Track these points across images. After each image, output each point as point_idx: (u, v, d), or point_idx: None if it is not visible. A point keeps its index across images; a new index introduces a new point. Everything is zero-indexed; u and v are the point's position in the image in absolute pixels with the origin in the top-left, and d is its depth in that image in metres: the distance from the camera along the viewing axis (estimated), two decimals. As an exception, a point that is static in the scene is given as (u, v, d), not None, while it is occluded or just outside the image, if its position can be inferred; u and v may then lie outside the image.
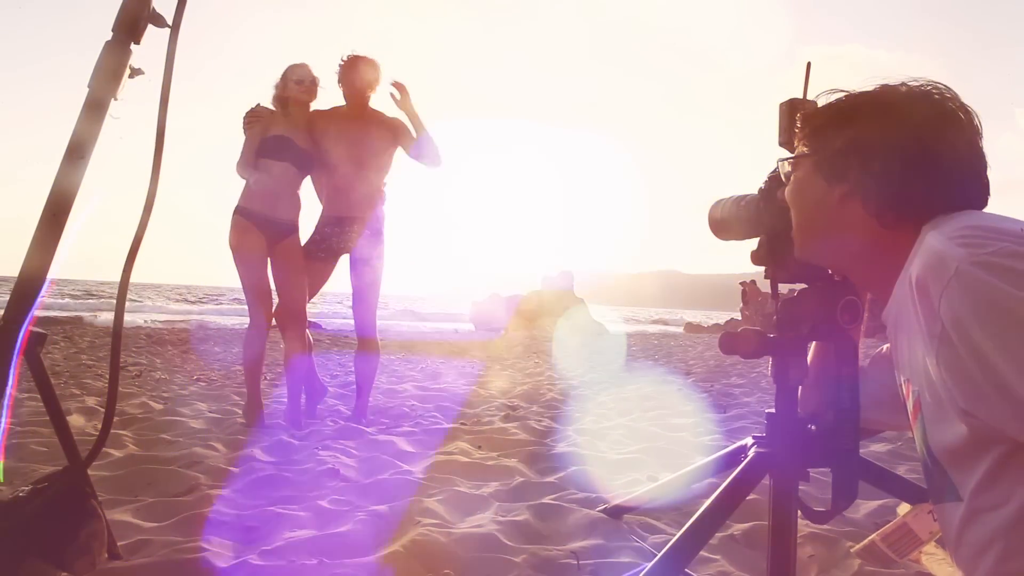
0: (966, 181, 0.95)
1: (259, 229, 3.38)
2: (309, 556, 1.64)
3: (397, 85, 3.50)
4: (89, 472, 1.41)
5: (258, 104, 3.47)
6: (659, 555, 1.31)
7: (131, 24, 1.27)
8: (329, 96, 3.60)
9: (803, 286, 1.32)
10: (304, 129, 3.50)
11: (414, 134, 3.53)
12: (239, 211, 3.39)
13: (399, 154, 3.64)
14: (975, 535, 0.86)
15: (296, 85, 3.45)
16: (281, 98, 3.49)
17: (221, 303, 31.67)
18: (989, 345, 0.74)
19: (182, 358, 7.27)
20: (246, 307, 3.50)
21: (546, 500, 2.15)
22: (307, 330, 3.66)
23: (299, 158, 3.44)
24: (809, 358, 1.37)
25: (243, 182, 3.39)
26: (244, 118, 3.45)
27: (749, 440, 1.45)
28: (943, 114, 0.96)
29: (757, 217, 1.35)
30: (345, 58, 3.52)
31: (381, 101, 3.60)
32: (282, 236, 3.46)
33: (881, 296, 1.01)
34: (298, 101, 3.48)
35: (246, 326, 3.56)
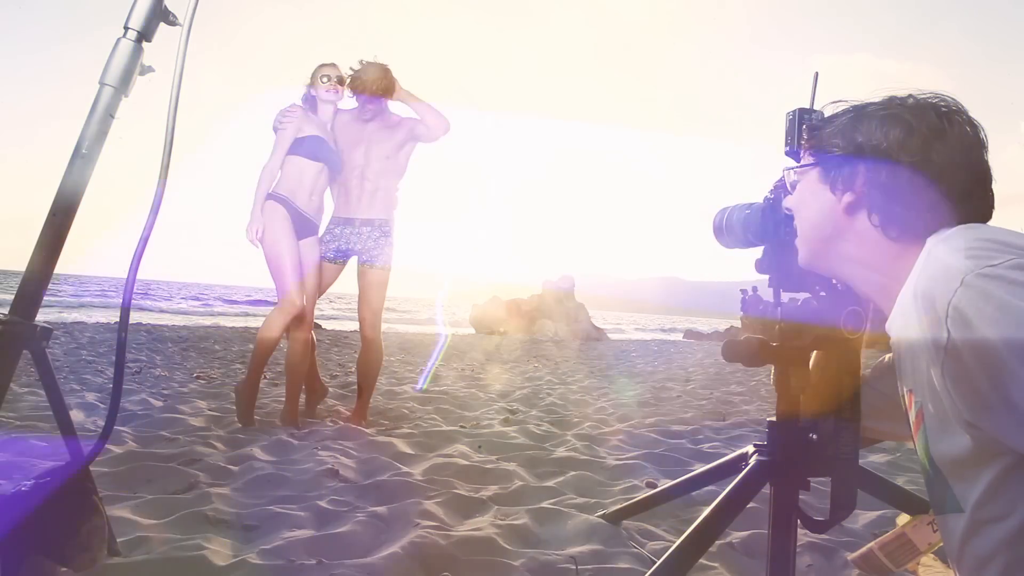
0: (971, 194, 0.95)
1: (291, 217, 3.40)
2: (308, 556, 1.65)
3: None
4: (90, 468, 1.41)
5: (292, 104, 3.49)
6: (659, 562, 1.32)
7: (143, 22, 1.28)
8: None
9: (806, 295, 1.33)
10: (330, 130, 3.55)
11: (417, 115, 3.55)
12: (274, 197, 3.39)
13: (415, 156, 3.65)
14: (978, 547, 0.86)
15: (324, 83, 3.49)
16: (311, 97, 3.53)
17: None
18: (995, 357, 0.74)
19: (182, 355, 7.27)
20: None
21: (545, 504, 2.15)
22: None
23: (334, 161, 3.49)
24: (810, 366, 1.37)
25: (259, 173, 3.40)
26: (278, 116, 3.46)
27: (750, 448, 1.45)
28: (950, 127, 0.96)
29: (762, 225, 1.36)
30: (357, 64, 3.54)
31: (394, 105, 3.63)
32: (305, 234, 3.48)
33: (884, 306, 1.01)
34: (325, 101, 3.52)
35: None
